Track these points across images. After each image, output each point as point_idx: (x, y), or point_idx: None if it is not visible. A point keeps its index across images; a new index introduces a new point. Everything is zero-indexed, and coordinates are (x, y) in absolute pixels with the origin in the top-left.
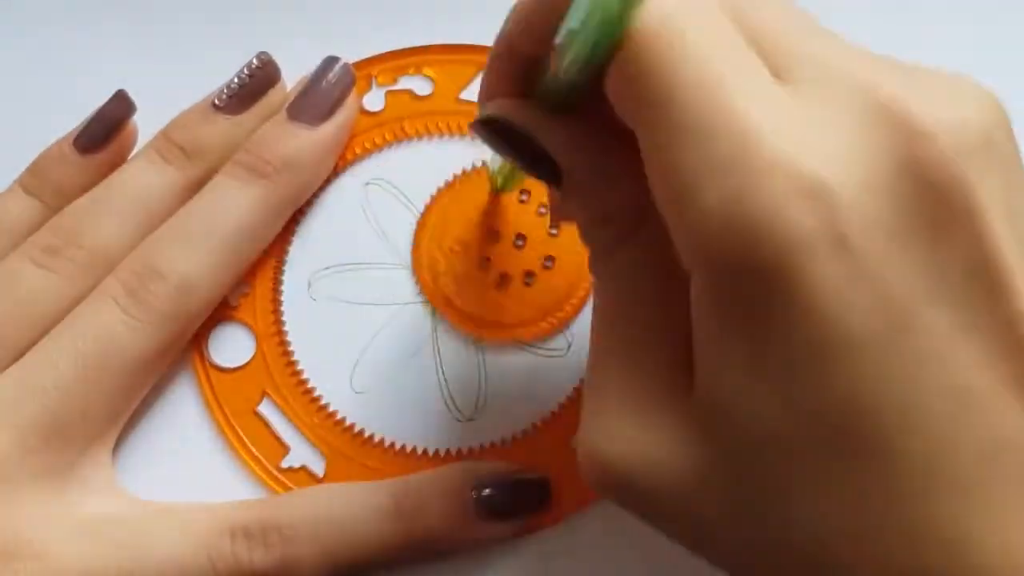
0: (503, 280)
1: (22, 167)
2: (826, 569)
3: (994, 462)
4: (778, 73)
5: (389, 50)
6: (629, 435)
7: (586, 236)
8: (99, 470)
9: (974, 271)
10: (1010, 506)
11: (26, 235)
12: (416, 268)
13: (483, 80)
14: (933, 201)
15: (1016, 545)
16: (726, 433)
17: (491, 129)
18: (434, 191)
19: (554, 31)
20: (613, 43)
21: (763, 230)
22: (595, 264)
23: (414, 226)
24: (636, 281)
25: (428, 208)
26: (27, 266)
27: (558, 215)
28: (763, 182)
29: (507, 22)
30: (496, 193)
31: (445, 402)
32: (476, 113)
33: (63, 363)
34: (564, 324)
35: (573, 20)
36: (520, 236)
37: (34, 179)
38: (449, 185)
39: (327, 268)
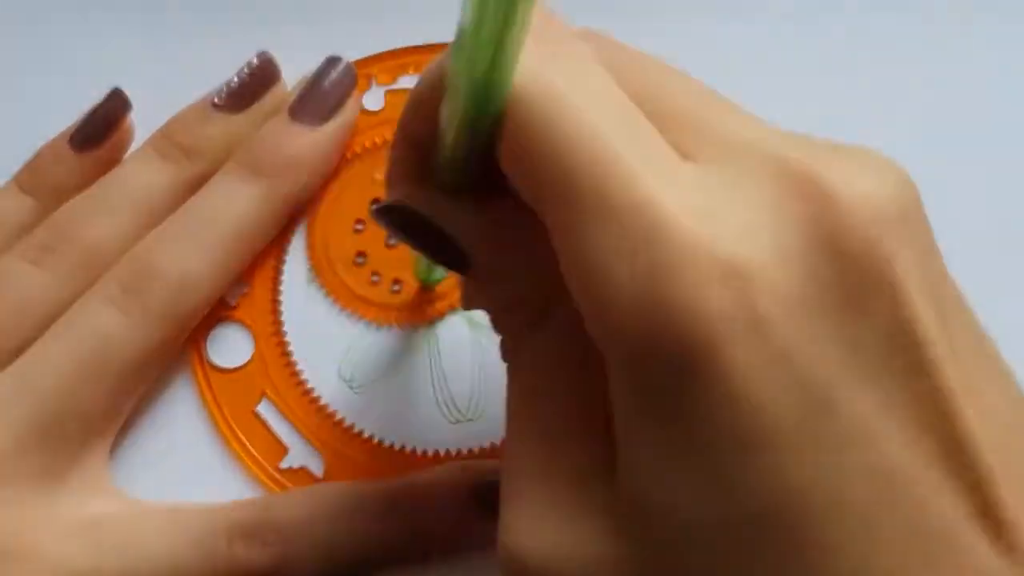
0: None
1: (18, 165)
2: None
3: (920, 546)
4: (682, 147)
5: (389, 49)
6: (550, 534)
7: (495, 323)
8: (96, 470)
9: (893, 345)
10: None
11: (21, 233)
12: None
13: (386, 171)
14: (850, 273)
15: None
16: (648, 526)
17: (392, 217)
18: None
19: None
20: (492, 117)
21: (677, 313)
22: (506, 352)
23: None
24: (550, 370)
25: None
26: (23, 264)
27: (468, 303)
28: (676, 265)
29: (404, 109)
30: (423, 286)
31: (444, 402)
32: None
33: (60, 362)
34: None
35: (450, 95)
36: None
37: (30, 177)
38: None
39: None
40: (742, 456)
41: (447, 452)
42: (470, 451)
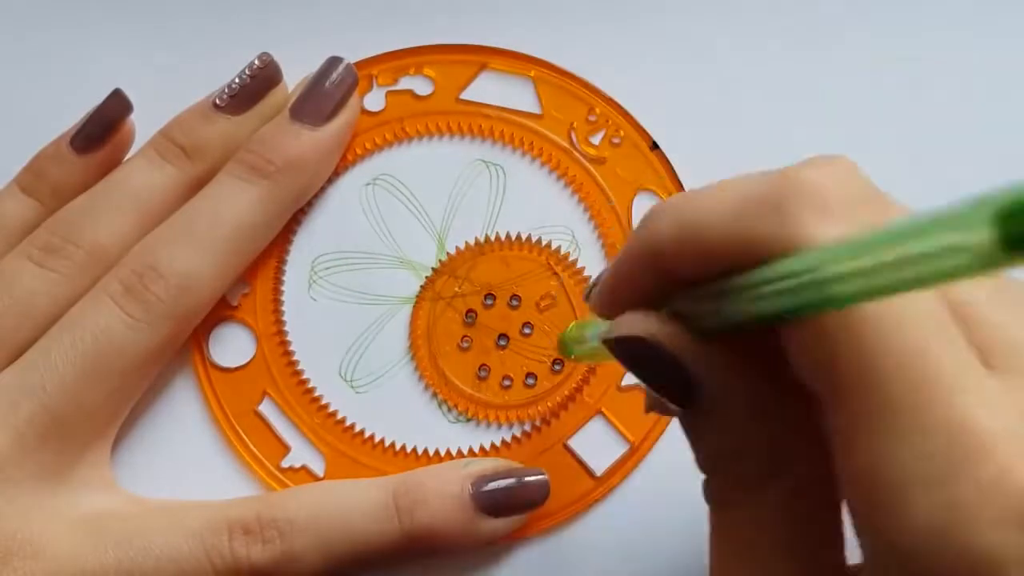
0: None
1: (19, 167)
2: None
3: None
4: (988, 361)
5: (389, 50)
6: None
7: (707, 468)
8: (98, 468)
9: None
10: None
11: (23, 235)
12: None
13: (608, 279)
14: None
15: None
16: None
17: (630, 348)
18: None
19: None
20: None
21: (979, 561)
22: (717, 501)
23: (416, 222)
24: (765, 534)
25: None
26: (25, 265)
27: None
28: (985, 503)
29: (650, 226)
30: (564, 358)
31: (444, 403)
32: (604, 328)
33: (62, 362)
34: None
35: (776, 277)
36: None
37: (31, 178)
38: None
39: (328, 267)
40: None
41: (447, 452)
42: (470, 451)
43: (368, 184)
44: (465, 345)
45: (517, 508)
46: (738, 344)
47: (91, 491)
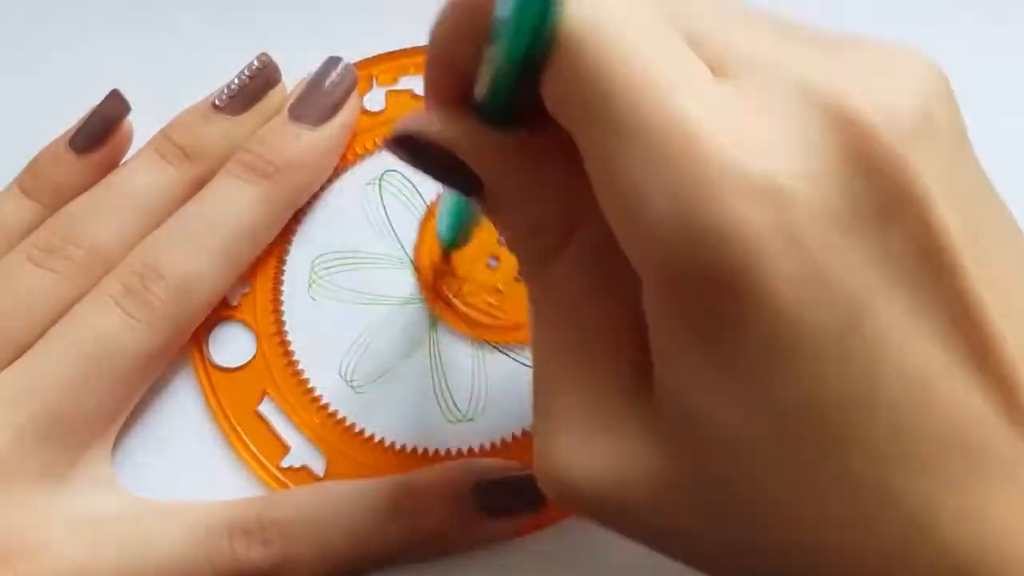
0: (507, 281)
1: (19, 168)
2: (796, 559)
3: (952, 440)
4: (715, 68)
5: (389, 50)
6: (591, 449)
7: (515, 248)
8: (98, 469)
9: (922, 255)
10: (968, 478)
11: (24, 236)
12: (418, 265)
13: (424, 90)
14: (877, 188)
15: (974, 512)
16: (693, 437)
17: (406, 146)
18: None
19: (483, 35)
20: (541, 47)
21: (716, 233)
22: (528, 275)
23: (417, 222)
24: (576, 290)
25: (434, 203)
26: (26, 265)
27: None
28: (712, 184)
29: (437, 29)
30: (445, 252)
31: (445, 402)
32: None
33: (62, 363)
34: None
35: (497, 35)
36: None
37: (31, 180)
38: None
39: (328, 267)
40: (782, 367)
41: (447, 452)
42: (470, 451)
43: (368, 184)
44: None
45: (518, 509)
46: (527, 126)
47: (91, 491)
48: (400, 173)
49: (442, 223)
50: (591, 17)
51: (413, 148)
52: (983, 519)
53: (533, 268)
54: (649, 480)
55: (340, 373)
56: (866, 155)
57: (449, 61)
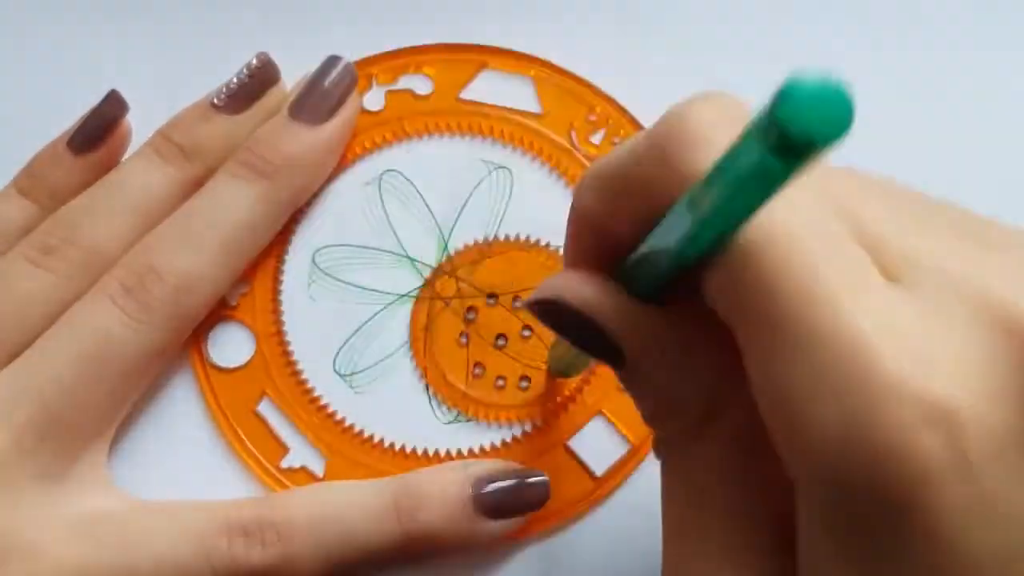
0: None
1: (17, 169)
2: None
3: None
4: (889, 272)
5: (389, 49)
6: None
7: (650, 422)
8: (96, 469)
9: None
10: None
11: (21, 237)
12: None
13: (564, 258)
14: None
15: None
16: None
17: (548, 309)
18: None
19: (642, 210)
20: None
21: (887, 457)
22: (662, 454)
23: (417, 223)
24: (714, 478)
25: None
26: (23, 265)
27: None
28: (885, 405)
29: (585, 187)
30: (552, 377)
31: (443, 403)
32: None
33: (60, 363)
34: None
35: (669, 232)
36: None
37: (29, 181)
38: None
39: (327, 267)
40: None
41: (447, 452)
42: (470, 451)
43: (368, 183)
44: (463, 341)
45: (518, 509)
46: (674, 303)
47: (90, 492)
48: (400, 173)
49: (559, 362)
50: (767, 220)
51: (553, 311)
52: None
53: (667, 446)
54: None
55: (339, 373)
56: None
57: (600, 227)
